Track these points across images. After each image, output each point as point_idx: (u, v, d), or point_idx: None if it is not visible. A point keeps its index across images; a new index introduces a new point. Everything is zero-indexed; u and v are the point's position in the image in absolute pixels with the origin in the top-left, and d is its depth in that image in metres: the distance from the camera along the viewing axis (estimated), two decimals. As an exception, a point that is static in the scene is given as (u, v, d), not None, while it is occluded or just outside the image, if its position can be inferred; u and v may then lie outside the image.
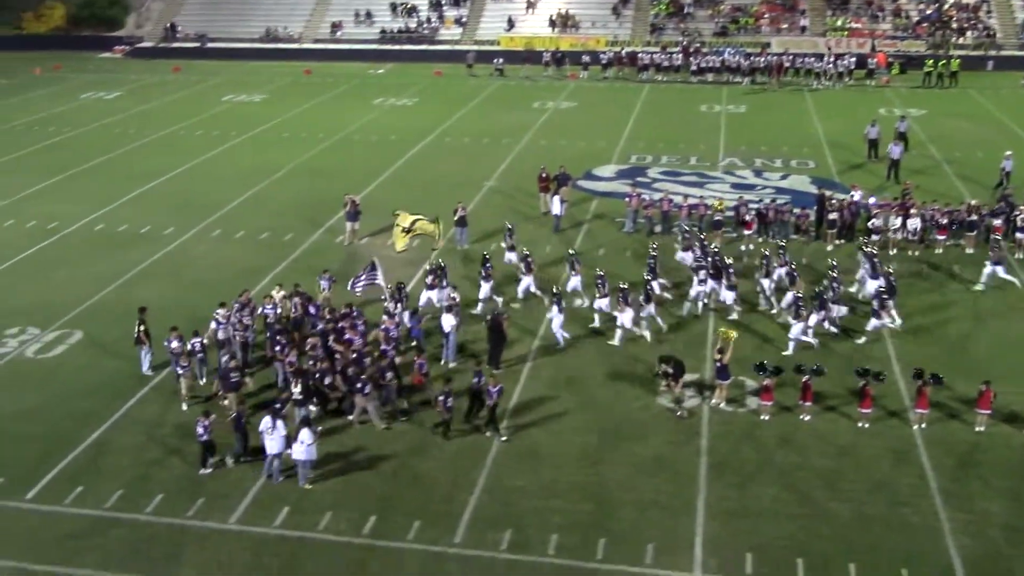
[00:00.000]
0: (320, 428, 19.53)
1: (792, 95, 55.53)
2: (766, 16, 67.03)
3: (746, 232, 30.82)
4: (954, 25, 64.11)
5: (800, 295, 24.33)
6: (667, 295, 26.23)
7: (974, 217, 30.13)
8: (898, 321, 24.76)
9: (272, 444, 18.60)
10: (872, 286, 25.47)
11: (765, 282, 26.10)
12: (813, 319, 23.97)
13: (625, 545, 16.91)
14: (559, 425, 20.76)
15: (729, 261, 26.28)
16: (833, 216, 30.71)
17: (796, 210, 31.56)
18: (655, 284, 25.38)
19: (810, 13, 66.91)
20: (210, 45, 71.81)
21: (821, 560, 16.50)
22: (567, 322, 24.36)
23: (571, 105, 53.58)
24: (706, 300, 25.86)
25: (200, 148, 44.45)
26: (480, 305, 25.76)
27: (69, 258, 30.71)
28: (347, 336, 22.33)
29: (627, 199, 32.79)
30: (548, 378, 22.74)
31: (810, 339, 23.69)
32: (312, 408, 20.33)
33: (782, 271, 26.22)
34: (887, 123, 43.24)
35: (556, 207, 32.54)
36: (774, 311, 25.51)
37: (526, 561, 16.63)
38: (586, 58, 62.46)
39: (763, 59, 59.61)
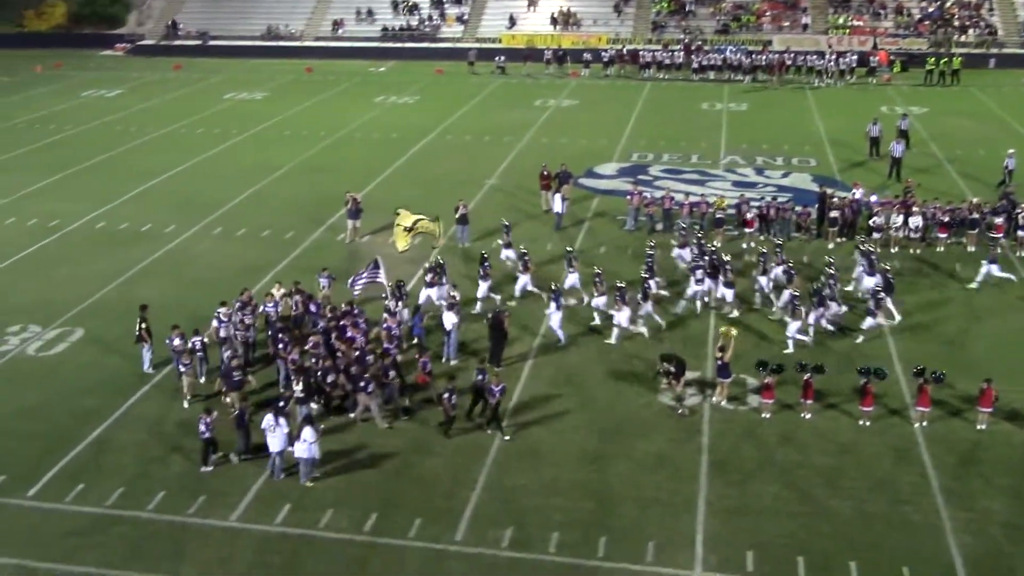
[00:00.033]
0: (322, 426, 19.54)
1: (793, 93, 55.50)
2: (768, 14, 66.99)
3: (747, 230, 30.82)
4: (956, 23, 64.06)
5: (797, 293, 24.33)
6: (664, 292, 26.24)
7: (975, 215, 30.12)
8: (897, 317, 24.77)
9: (274, 442, 18.61)
10: (869, 283, 25.49)
11: (762, 280, 26.10)
12: (811, 317, 23.98)
13: (626, 543, 16.91)
14: (560, 423, 20.76)
15: (727, 258, 26.29)
16: (834, 214, 30.70)
17: (798, 208, 31.55)
18: (652, 283, 25.36)
19: (812, 11, 66.85)
20: (211, 43, 71.84)
21: (822, 558, 16.50)
22: (565, 320, 24.35)
23: (572, 103, 53.55)
24: (706, 299, 25.86)
25: (201, 146, 44.46)
26: (479, 304, 25.77)
27: (70, 256, 30.73)
28: (349, 334, 22.33)
29: (628, 197, 32.78)
30: (549, 376, 22.74)
31: (806, 337, 23.68)
32: (313, 406, 20.35)
33: (779, 270, 26.22)
34: (888, 121, 43.20)
35: (557, 205, 32.53)
36: (774, 310, 25.49)
37: (527, 559, 16.63)
38: (588, 56, 62.44)
39: (764, 57, 59.56)
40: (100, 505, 18.08)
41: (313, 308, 23.89)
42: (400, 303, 24.07)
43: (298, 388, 20.28)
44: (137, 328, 22.77)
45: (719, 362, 21.28)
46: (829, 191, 32.30)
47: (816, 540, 16.95)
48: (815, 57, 59.13)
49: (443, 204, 31.59)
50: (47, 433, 20.49)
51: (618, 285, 24.24)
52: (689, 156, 41.46)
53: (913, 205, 30.41)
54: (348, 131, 47.22)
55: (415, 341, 23.73)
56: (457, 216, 30.65)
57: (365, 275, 25.14)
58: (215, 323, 22.98)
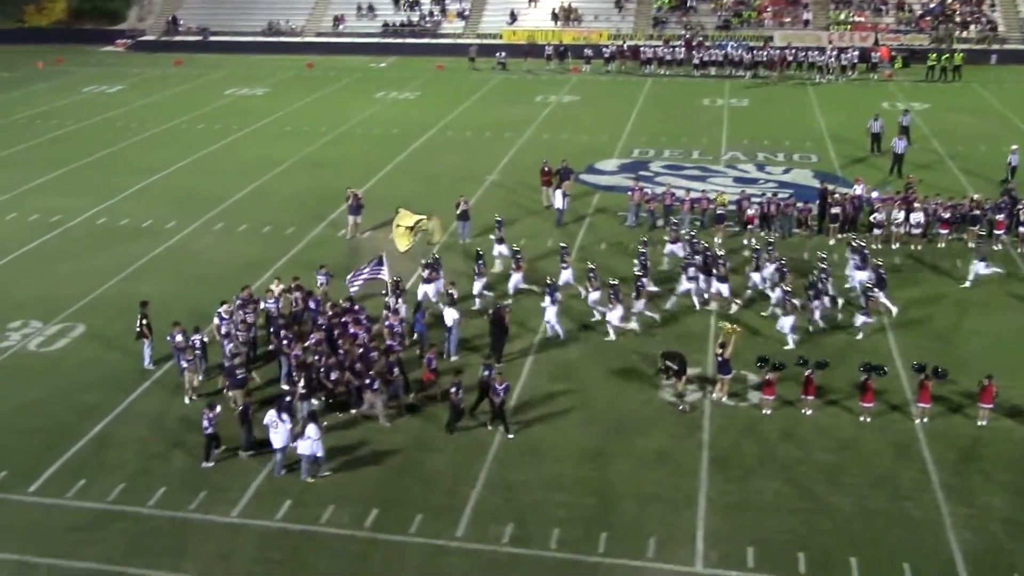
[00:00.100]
0: (325, 423, 19.55)
1: (795, 89, 55.44)
2: (769, 10, 66.89)
3: (748, 226, 30.81)
4: (957, 19, 63.97)
5: (789, 290, 24.32)
6: (656, 288, 26.22)
7: (977, 211, 30.10)
8: (894, 310, 24.77)
9: (277, 438, 18.63)
10: (860, 277, 25.49)
11: (755, 276, 26.10)
12: (816, 314, 23.95)
13: (627, 539, 16.93)
14: (561, 419, 20.77)
15: (720, 253, 26.24)
16: (836, 210, 30.67)
17: (799, 204, 31.52)
18: (644, 280, 25.33)
19: (813, 7, 66.78)
20: (212, 39, 71.76)
21: (822, 554, 16.51)
22: (564, 317, 24.35)
23: (573, 99, 53.51)
24: (705, 295, 25.85)
25: (202, 142, 44.45)
26: (478, 301, 25.79)
27: (71, 252, 30.74)
28: (352, 331, 22.32)
29: (629, 193, 32.77)
30: (549, 372, 22.75)
31: (796, 335, 23.64)
32: (315, 402, 20.35)
33: (772, 266, 26.18)
34: (890, 117, 43.13)
35: (558, 201, 32.51)
36: (769, 308, 25.45)
37: (528, 555, 16.64)
38: (589, 52, 62.37)
39: (766, 53, 59.49)
40: (101, 501, 18.10)
41: (312, 304, 23.87)
42: (400, 300, 24.08)
43: (300, 384, 20.29)
44: (138, 324, 22.79)
45: (720, 358, 21.29)
46: (830, 187, 32.28)
47: (817, 536, 16.96)
48: (816, 53, 59.01)
49: (444, 200, 31.58)
50: (48, 429, 20.52)
51: (610, 282, 24.26)
52: (690, 152, 41.43)
53: (914, 201, 30.40)
54: (349, 127, 47.20)
55: (415, 337, 23.73)
56: (458, 212, 30.65)
57: (367, 271, 25.09)
58: (216, 321, 22.97)
